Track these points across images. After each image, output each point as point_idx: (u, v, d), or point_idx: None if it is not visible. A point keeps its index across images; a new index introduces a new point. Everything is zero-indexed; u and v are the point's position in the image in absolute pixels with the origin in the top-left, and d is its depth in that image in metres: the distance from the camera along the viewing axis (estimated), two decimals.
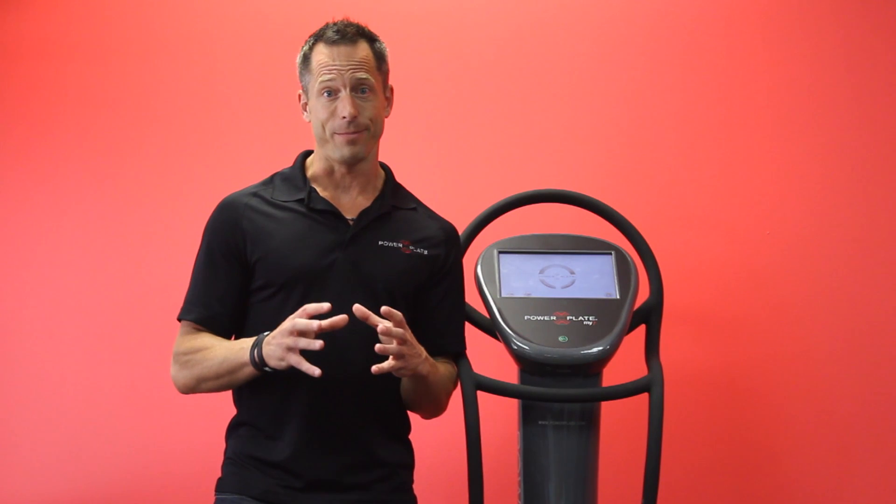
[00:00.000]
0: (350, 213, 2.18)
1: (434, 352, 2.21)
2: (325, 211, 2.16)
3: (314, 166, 2.22)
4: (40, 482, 3.31)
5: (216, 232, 2.18)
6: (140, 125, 3.45)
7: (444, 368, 2.24)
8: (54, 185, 3.47)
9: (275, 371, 2.02)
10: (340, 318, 1.96)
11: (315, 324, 1.94)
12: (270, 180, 2.24)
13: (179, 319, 2.18)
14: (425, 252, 2.20)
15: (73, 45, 3.52)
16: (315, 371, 1.93)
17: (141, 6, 3.50)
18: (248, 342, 2.05)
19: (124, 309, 3.35)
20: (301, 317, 1.96)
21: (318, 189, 2.19)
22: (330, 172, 2.19)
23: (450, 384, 2.28)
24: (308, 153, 2.27)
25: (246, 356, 2.03)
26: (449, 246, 2.26)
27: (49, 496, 3.30)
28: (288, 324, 1.97)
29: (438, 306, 2.20)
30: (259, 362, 2.02)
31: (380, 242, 2.17)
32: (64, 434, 3.32)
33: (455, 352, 2.32)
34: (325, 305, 1.96)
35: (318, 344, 1.93)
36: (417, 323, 2.19)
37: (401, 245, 2.19)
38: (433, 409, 2.26)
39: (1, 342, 3.42)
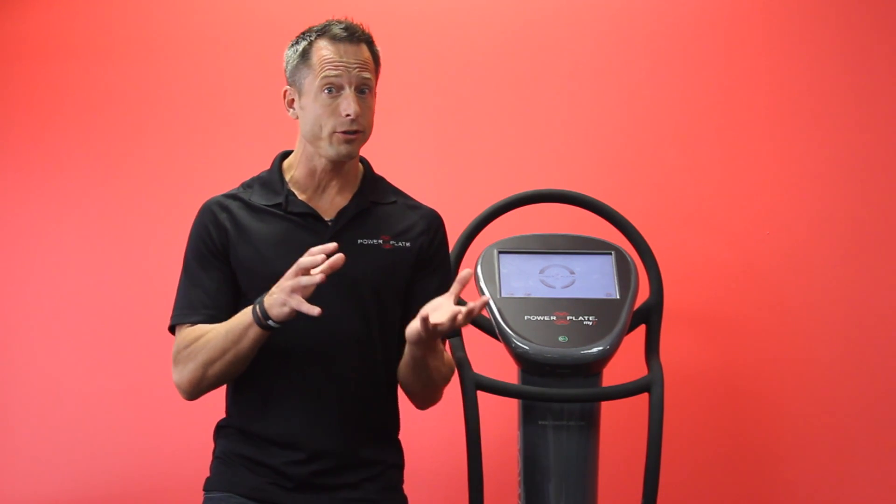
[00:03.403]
0: (329, 214, 2.16)
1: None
2: (303, 213, 2.14)
3: (294, 167, 2.20)
4: (39, 482, 3.31)
5: (201, 234, 2.16)
6: (140, 125, 3.45)
7: (445, 354, 2.20)
8: (54, 185, 3.47)
9: (278, 326, 1.98)
10: (338, 258, 1.92)
11: (319, 257, 1.91)
12: (250, 184, 2.22)
13: (175, 325, 2.14)
14: (407, 244, 2.17)
15: (73, 44, 3.52)
16: (315, 310, 1.90)
17: (141, 6, 3.50)
18: (248, 308, 2.03)
19: (122, 310, 3.35)
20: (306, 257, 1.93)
21: (297, 191, 2.17)
22: (312, 172, 2.17)
23: (448, 371, 2.21)
24: (285, 155, 2.25)
25: (249, 317, 2.00)
26: (432, 232, 2.22)
27: (47, 496, 3.30)
28: (292, 267, 1.94)
29: (428, 290, 2.16)
30: (262, 316, 1.98)
31: (359, 241, 2.14)
32: (62, 434, 3.32)
33: (450, 336, 2.24)
34: (331, 245, 1.94)
35: (317, 278, 1.90)
36: (411, 312, 2.16)
37: (381, 241, 2.16)
38: (430, 394, 2.19)
39: (1, 342, 3.42)
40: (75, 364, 3.36)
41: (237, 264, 2.13)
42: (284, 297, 1.94)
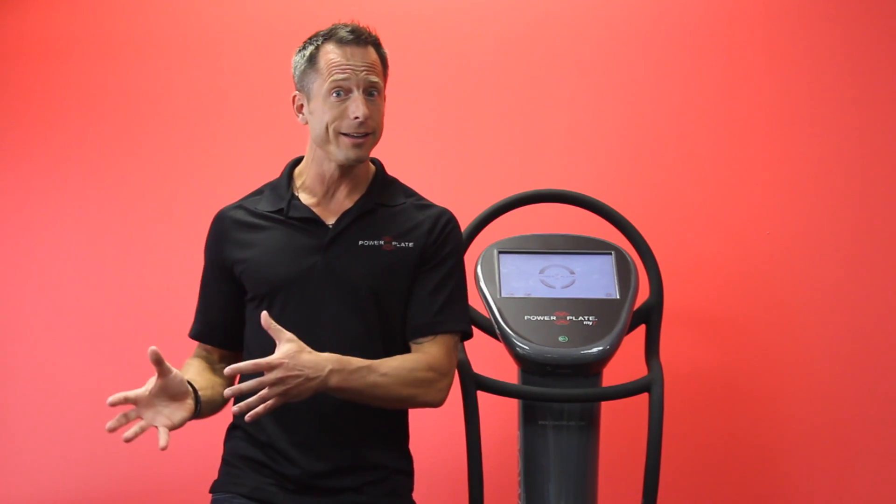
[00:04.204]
0: (334, 217, 2.16)
1: (429, 331, 2.14)
2: (304, 218, 2.15)
3: (304, 173, 2.21)
4: (40, 482, 3.31)
5: (208, 246, 2.23)
6: (140, 125, 3.45)
7: (405, 362, 2.09)
8: (54, 184, 3.47)
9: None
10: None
11: (111, 399, 2.05)
12: (260, 191, 2.24)
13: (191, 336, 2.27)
14: (410, 245, 2.16)
15: (73, 44, 3.52)
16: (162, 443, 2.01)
17: (141, 6, 3.51)
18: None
19: (124, 309, 3.35)
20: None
21: (305, 196, 2.18)
22: (322, 176, 2.17)
23: (417, 373, 2.09)
24: (296, 162, 2.25)
25: None
26: (439, 230, 2.20)
27: (48, 496, 3.30)
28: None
29: (425, 287, 2.15)
30: None
31: (360, 242, 2.14)
32: (63, 434, 3.32)
33: (447, 331, 2.17)
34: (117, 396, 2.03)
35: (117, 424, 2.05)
36: (406, 309, 2.16)
37: (382, 242, 2.15)
38: (408, 403, 2.12)
39: (1, 342, 3.42)
40: (78, 364, 3.36)
41: (240, 270, 2.16)
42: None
